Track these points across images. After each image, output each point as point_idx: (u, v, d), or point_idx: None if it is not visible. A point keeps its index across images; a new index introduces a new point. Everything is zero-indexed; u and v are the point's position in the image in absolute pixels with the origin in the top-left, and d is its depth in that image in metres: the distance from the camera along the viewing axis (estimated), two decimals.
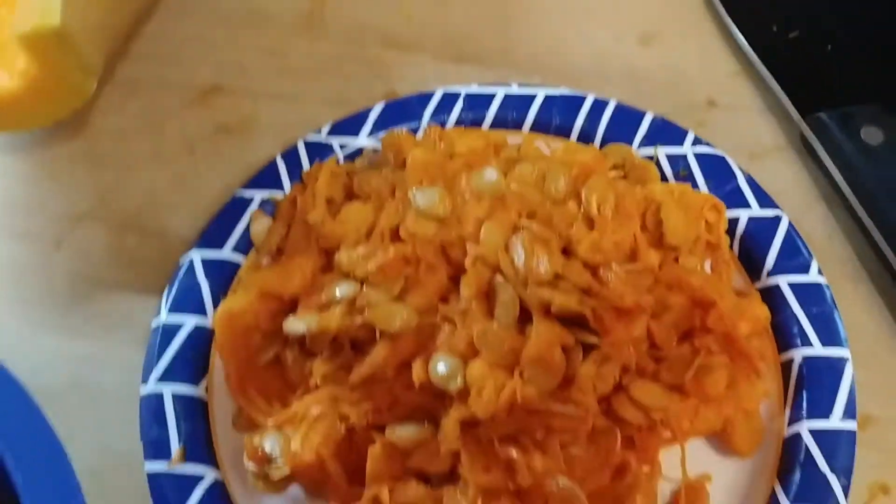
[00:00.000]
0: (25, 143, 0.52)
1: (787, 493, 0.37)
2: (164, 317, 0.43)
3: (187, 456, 0.39)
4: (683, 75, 0.52)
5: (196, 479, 0.39)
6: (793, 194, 0.47)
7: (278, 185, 0.46)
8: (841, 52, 0.50)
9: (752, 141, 0.49)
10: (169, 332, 0.42)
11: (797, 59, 0.51)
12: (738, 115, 0.51)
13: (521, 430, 0.36)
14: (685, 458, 0.38)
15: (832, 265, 0.45)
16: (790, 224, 0.43)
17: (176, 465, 0.39)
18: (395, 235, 0.41)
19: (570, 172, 0.41)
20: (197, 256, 0.44)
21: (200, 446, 0.40)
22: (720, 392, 0.39)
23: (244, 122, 0.52)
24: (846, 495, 0.37)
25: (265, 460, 0.39)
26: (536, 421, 0.36)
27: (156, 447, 0.39)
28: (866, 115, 0.46)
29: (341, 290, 0.39)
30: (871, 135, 0.45)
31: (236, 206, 0.46)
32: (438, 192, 0.40)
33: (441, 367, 0.37)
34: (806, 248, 0.42)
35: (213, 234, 0.45)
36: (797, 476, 0.38)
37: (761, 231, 0.43)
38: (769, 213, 0.44)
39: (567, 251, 0.39)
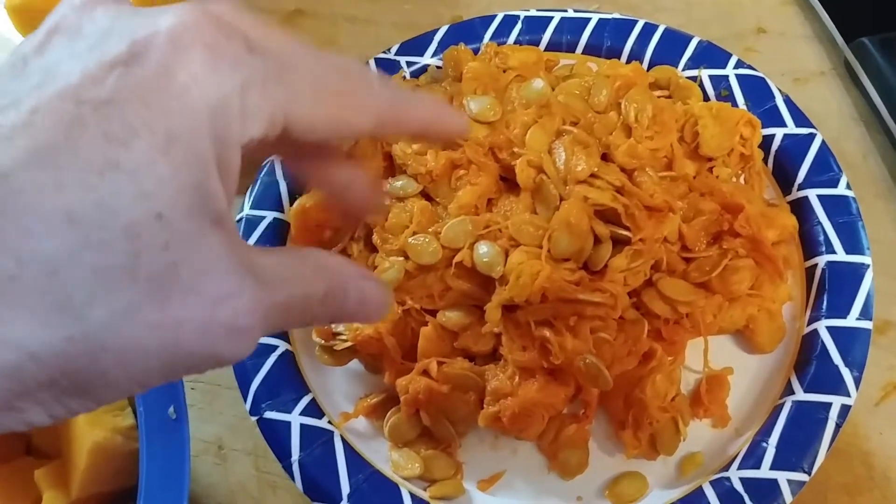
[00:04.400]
0: None
1: (801, 383, 0.41)
2: (247, 210, 0.48)
3: None
4: (735, 3, 0.55)
5: (271, 348, 0.44)
6: (833, 116, 0.50)
7: None
8: None
9: (798, 66, 0.52)
10: (251, 223, 0.48)
11: None
12: (785, 42, 0.53)
13: (555, 316, 0.40)
14: (707, 350, 0.42)
15: (865, 183, 0.47)
16: (823, 142, 0.46)
17: None
18: (452, 140, 0.45)
19: (612, 85, 0.44)
20: (277, 159, 0.49)
21: None
22: (744, 291, 0.42)
23: (325, 42, 0.57)
24: (857, 386, 0.40)
25: (331, 336, 0.44)
26: (569, 308, 0.40)
27: None
28: None
29: (395, 183, 0.44)
30: None
31: None
32: (490, 100, 0.44)
33: (484, 252, 0.41)
34: (836, 164, 0.45)
35: None
36: (812, 368, 0.41)
37: (795, 147, 0.46)
38: (804, 131, 0.46)
39: (606, 157, 0.43)
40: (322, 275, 0.24)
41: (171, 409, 0.35)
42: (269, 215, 0.48)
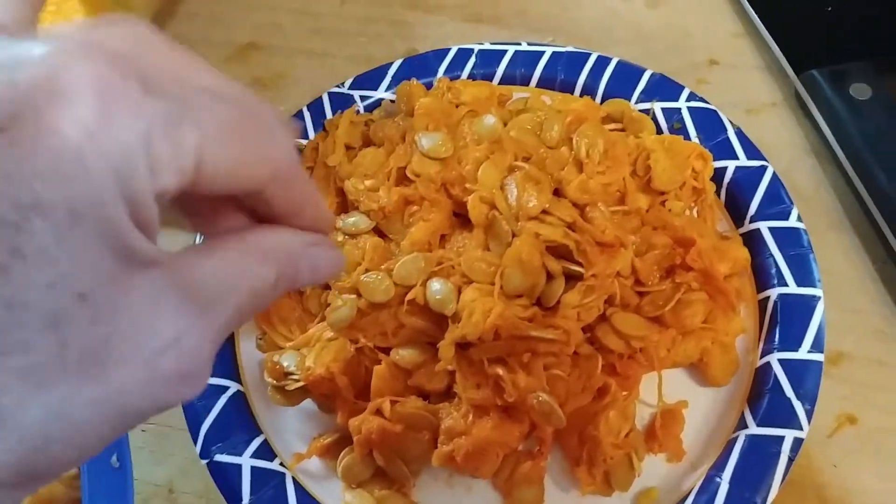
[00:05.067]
0: None
1: (754, 417, 0.41)
2: None
3: (214, 371, 0.44)
4: (688, 35, 0.55)
5: (221, 389, 0.44)
6: (785, 147, 0.50)
7: (304, 133, 0.51)
8: (839, 12, 0.53)
9: (750, 97, 0.52)
10: None
11: (796, 19, 0.53)
12: (737, 73, 0.53)
13: (508, 353, 0.40)
14: (662, 384, 0.42)
15: (817, 214, 0.48)
16: (774, 174, 0.46)
17: None
18: (404, 177, 0.45)
19: (563, 120, 0.44)
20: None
21: (226, 363, 0.45)
22: (697, 324, 0.42)
23: (278, 76, 0.57)
24: (809, 420, 0.40)
25: (283, 375, 0.44)
26: (522, 344, 0.40)
27: None
28: (856, 71, 0.48)
29: (348, 220, 0.43)
30: (860, 91, 0.47)
31: None
32: (442, 136, 0.44)
33: (436, 289, 0.41)
34: (787, 196, 0.45)
35: None
36: (765, 401, 0.41)
37: (747, 180, 0.46)
38: (755, 163, 0.46)
39: (559, 192, 0.43)
40: (270, 260, 0.23)
41: (114, 458, 0.34)
42: None
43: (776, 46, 0.52)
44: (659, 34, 0.55)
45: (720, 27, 0.55)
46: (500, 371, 0.40)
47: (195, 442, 0.42)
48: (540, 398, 0.39)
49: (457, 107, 0.47)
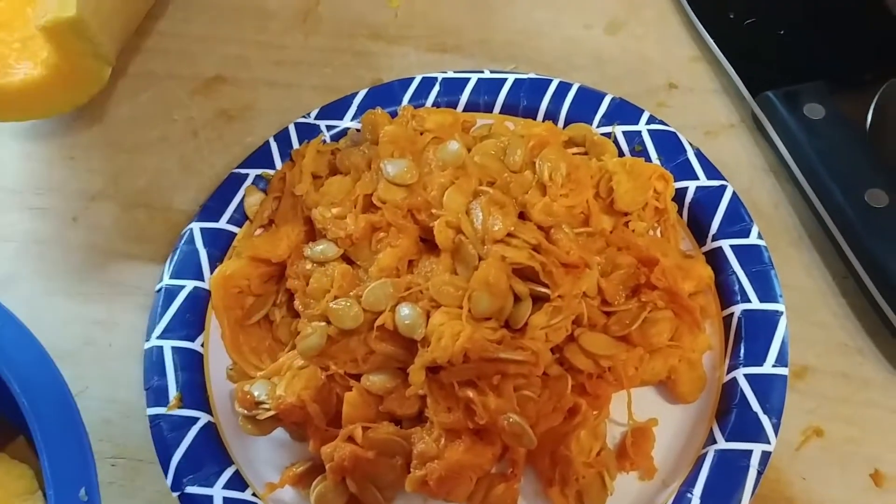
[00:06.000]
0: (48, 130, 0.58)
1: (723, 432, 0.41)
2: (167, 280, 0.47)
3: (184, 402, 0.44)
4: (647, 61, 0.56)
5: (192, 421, 0.43)
6: (743, 167, 0.51)
7: (271, 163, 0.51)
8: (792, 36, 0.54)
9: (708, 119, 0.53)
10: (171, 293, 0.47)
11: (751, 43, 0.54)
12: (695, 97, 0.54)
13: (478, 375, 0.40)
14: (631, 402, 0.42)
15: (777, 232, 0.49)
16: (734, 193, 0.47)
17: (173, 409, 0.43)
18: (371, 204, 0.45)
19: (526, 145, 0.45)
20: (196, 227, 0.49)
21: (196, 394, 0.45)
22: (664, 342, 0.43)
23: (244, 108, 0.57)
24: (776, 433, 0.40)
25: (253, 405, 0.43)
26: (492, 367, 0.40)
27: (156, 394, 0.44)
28: (809, 92, 0.50)
29: (316, 248, 0.43)
30: (814, 110, 0.49)
31: (233, 183, 0.51)
32: (407, 162, 0.45)
33: (405, 314, 0.41)
34: (747, 214, 0.46)
35: (212, 208, 0.50)
36: (733, 416, 0.41)
37: (708, 199, 0.47)
38: (715, 183, 0.47)
39: (523, 215, 0.44)
40: None
41: (83, 492, 0.34)
42: (190, 284, 0.47)
43: (732, 70, 0.53)
44: (618, 60, 0.56)
45: (678, 52, 0.57)
46: (471, 394, 0.40)
47: (166, 474, 0.42)
48: (511, 419, 0.39)
49: (421, 134, 0.48)
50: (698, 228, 0.47)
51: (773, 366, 0.42)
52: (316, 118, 0.52)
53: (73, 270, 0.52)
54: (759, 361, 0.42)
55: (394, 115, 0.51)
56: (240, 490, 0.42)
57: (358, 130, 0.52)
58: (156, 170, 0.55)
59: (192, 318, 0.46)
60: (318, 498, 0.41)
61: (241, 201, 0.50)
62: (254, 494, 0.42)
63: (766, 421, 0.41)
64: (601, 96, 0.51)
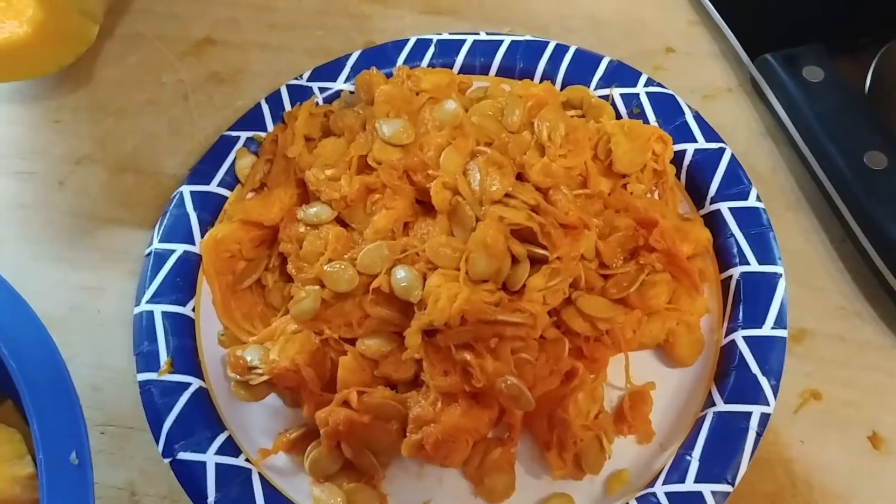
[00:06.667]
0: (33, 93, 0.57)
1: (721, 394, 0.41)
2: (156, 244, 0.46)
3: (175, 367, 0.43)
4: (644, 24, 0.56)
5: (183, 386, 0.43)
6: (742, 131, 0.51)
7: (263, 126, 0.50)
8: None
9: (707, 83, 0.53)
10: (160, 257, 0.46)
11: (749, 6, 0.54)
12: (693, 60, 0.54)
13: (475, 338, 0.40)
14: (629, 365, 0.42)
15: (775, 195, 0.48)
16: (732, 156, 0.46)
17: (164, 374, 0.43)
18: (366, 165, 0.44)
19: (524, 105, 0.44)
20: (187, 190, 0.48)
21: (187, 359, 0.44)
22: (662, 305, 0.42)
23: (235, 71, 0.56)
24: (775, 395, 0.40)
25: (246, 370, 0.43)
26: (489, 329, 0.40)
27: (147, 359, 0.43)
28: (808, 55, 0.49)
29: (309, 210, 0.43)
30: (813, 73, 0.48)
31: (224, 145, 0.50)
32: (403, 122, 0.44)
33: (401, 277, 0.40)
34: (746, 177, 0.46)
35: (202, 171, 0.49)
36: (731, 379, 0.41)
37: (706, 162, 0.46)
38: (714, 145, 0.47)
39: (521, 176, 0.43)
40: None
41: (74, 455, 0.33)
42: (180, 248, 0.46)
43: (730, 33, 0.53)
44: (615, 23, 0.56)
45: (675, 15, 0.56)
46: (468, 357, 0.39)
47: (157, 440, 0.41)
48: (508, 382, 0.39)
49: (417, 94, 0.47)
50: (697, 191, 0.47)
51: (773, 328, 0.42)
52: (308, 80, 0.51)
53: (60, 235, 0.51)
54: (759, 323, 0.42)
55: (388, 76, 0.50)
56: (233, 456, 0.41)
57: (351, 92, 0.51)
58: (144, 133, 0.54)
59: (182, 283, 0.46)
60: (312, 463, 0.41)
61: (233, 164, 0.49)
62: (247, 460, 0.41)
63: (764, 383, 0.40)
64: (598, 58, 0.50)
